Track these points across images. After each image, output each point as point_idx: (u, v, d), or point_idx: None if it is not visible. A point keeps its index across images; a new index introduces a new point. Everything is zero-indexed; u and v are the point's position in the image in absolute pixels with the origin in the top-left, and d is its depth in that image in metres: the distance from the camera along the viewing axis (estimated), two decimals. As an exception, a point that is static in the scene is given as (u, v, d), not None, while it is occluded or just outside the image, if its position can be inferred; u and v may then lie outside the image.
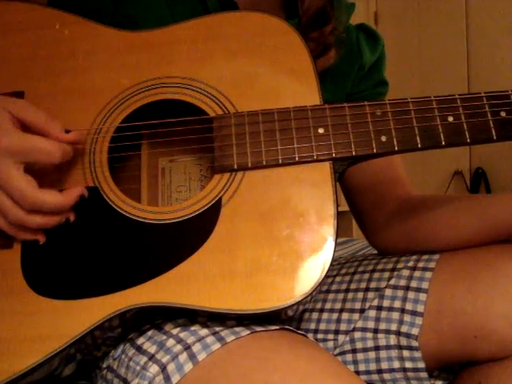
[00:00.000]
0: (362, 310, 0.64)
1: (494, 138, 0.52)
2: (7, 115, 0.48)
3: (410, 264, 0.64)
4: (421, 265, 0.63)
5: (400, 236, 0.70)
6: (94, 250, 0.51)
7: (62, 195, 0.50)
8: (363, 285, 0.66)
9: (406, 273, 0.64)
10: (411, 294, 0.61)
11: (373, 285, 0.65)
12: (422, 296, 0.60)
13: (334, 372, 0.45)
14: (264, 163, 0.52)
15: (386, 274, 0.65)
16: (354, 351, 0.63)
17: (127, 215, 0.52)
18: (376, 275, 0.66)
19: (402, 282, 0.63)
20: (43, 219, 0.49)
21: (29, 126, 0.49)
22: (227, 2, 0.62)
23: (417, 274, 0.63)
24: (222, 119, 0.54)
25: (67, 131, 0.51)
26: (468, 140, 0.52)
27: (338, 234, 0.50)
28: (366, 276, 0.67)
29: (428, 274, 0.62)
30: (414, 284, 0.62)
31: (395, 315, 0.61)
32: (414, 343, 0.59)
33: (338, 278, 0.70)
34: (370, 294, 0.65)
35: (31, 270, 0.50)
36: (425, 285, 0.61)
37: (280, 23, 0.57)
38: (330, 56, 0.65)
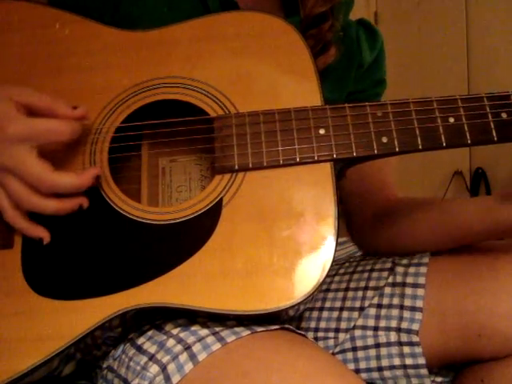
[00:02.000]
0: (361, 308, 0.64)
1: (495, 139, 0.53)
2: (11, 103, 0.48)
3: (405, 261, 0.65)
4: (415, 261, 0.64)
5: (381, 240, 0.71)
6: (95, 250, 0.51)
7: (78, 176, 0.50)
8: (362, 284, 0.67)
9: (401, 270, 0.64)
10: (408, 290, 0.62)
11: (372, 283, 0.66)
12: (420, 291, 0.61)
13: (334, 372, 0.45)
14: (265, 164, 0.52)
15: (385, 274, 0.66)
16: (354, 349, 0.63)
17: (128, 216, 0.52)
18: (375, 274, 0.67)
19: (399, 279, 0.64)
20: (58, 204, 0.49)
21: (35, 111, 0.50)
22: (227, 2, 0.62)
23: (411, 270, 0.63)
24: (223, 119, 0.54)
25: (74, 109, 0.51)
26: (469, 141, 0.52)
27: (338, 235, 0.50)
28: (365, 275, 0.68)
29: (423, 269, 0.62)
30: (410, 280, 0.62)
31: (394, 312, 0.62)
32: (415, 338, 0.59)
33: (336, 278, 0.70)
34: (369, 293, 0.65)
35: (32, 270, 0.50)
36: (421, 280, 0.62)
37: (281, 23, 0.57)
38: (330, 54, 0.65)
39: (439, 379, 0.65)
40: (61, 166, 0.53)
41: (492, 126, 0.53)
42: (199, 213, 0.51)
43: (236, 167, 0.52)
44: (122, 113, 0.55)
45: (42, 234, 0.50)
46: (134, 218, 0.52)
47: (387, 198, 0.73)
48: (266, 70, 0.56)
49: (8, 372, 0.47)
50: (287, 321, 0.52)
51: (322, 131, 0.53)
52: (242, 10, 0.62)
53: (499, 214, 0.56)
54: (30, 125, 0.48)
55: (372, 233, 0.72)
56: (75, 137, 0.51)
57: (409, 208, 0.68)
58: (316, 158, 0.52)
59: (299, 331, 0.51)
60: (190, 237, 0.50)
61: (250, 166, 0.52)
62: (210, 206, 0.51)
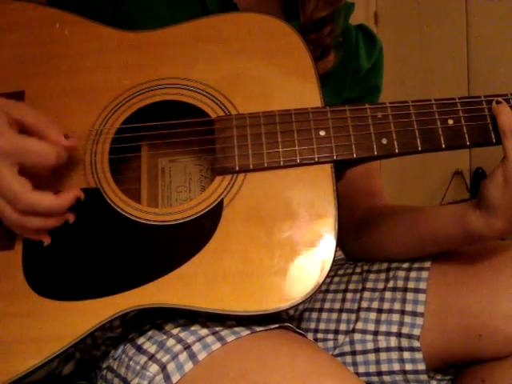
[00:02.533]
0: (359, 310, 0.64)
1: (494, 141, 0.53)
2: (4, 117, 0.48)
3: (405, 265, 0.65)
4: (416, 265, 0.64)
5: (360, 247, 0.72)
6: (96, 251, 0.51)
7: (57, 197, 0.49)
8: (361, 285, 0.67)
9: (402, 274, 0.64)
10: (410, 295, 0.62)
11: (369, 285, 0.66)
12: (421, 296, 0.61)
13: (333, 372, 0.45)
14: (265, 165, 0.52)
15: (382, 275, 0.66)
16: (353, 353, 0.63)
17: (129, 216, 0.52)
18: (372, 276, 0.67)
19: (400, 284, 0.63)
20: (40, 221, 0.49)
21: (27, 129, 0.49)
22: (226, 3, 0.62)
23: (413, 274, 0.63)
24: (224, 121, 0.54)
25: (66, 137, 0.51)
26: (467, 143, 0.53)
27: (338, 236, 0.50)
28: (363, 276, 0.68)
29: (424, 274, 0.62)
30: (411, 285, 0.62)
31: (395, 317, 0.62)
32: (416, 344, 0.59)
33: (336, 279, 0.70)
34: (367, 294, 0.65)
35: (32, 270, 0.51)
36: (423, 285, 0.61)
37: (281, 25, 0.57)
38: (329, 59, 0.65)
39: (439, 376, 0.65)
40: (61, 167, 0.53)
41: (491, 127, 0.53)
42: (200, 214, 0.51)
43: (237, 168, 0.52)
44: (123, 114, 0.55)
45: (39, 237, 0.50)
46: (135, 219, 0.52)
47: (371, 206, 0.73)
48: (266, 72, 0.56)
49: (9, 373, 0.47)
50: (287, 320, 0.52)
51: (322, 133, 0.53)
52: (243, 11, 0.62)
53: (468, 222, 0.55)
54: (16, 141, 0.47)
55: (353, 239, 0.72)
56: (59, 164, 0.49)
57: (385, 216, 0.68)
58: (316, 160, 0.52)
59: (299, 330, 0.51)
60: (190, 238, 0.50)
61: (251, 167, 0.52)
62: (210, 207, 0.51)
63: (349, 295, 0.67)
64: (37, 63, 0.57)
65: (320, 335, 0.66)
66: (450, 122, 0.53)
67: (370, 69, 0.74)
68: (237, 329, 0.49)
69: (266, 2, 0.67)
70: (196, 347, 0.47)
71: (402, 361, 0.60)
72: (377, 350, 0.62)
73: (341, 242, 0.75)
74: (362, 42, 0.73)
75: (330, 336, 0.65)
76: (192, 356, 0.46)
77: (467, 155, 2.07)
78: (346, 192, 0.71)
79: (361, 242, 0.71)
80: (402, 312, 0.61)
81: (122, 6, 0.62)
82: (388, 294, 0.64)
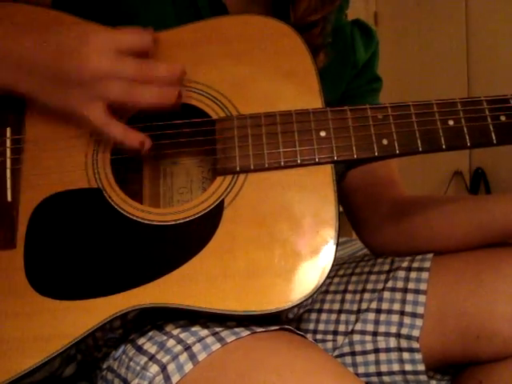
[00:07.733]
0: (358, 311, 0.64)
1: (494, 141, 0.53)
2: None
3: (405, 264, 0.65)
4: (416, 265, 0.64)
5: (394, 238, 0.70)
6: (97, 250, 0.51)
7: (170, 66, 0.51)
8: (360, 286, 0.67)
9: (401, 274, 0.64)
10: (410, 296, 0.62)
11: (369, 286, 0.66)
12: (421, 297, 0.61)
13: (333, 372, 0.45)
14: (266, 166, 0.52)
15: (383, 276, 0.66)
16: (352, 354, 0.63)
17: (130, 216, 0.52)
18: (373, 277, 0.67)
19: (400, 284, 0.63)
20: (159, 88, 0.51)
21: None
22: (216, 3, 0.62)
23: (413, 275, 0.63)
24: (225, 122, 0.54)
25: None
26: (468, 144, 0.53)
27: (339, 237, 0.50)
28: (363, 277, 0.67)
29: (424, 275, 0.62)
30: (411, 286, 0.62)
31: (394, 318, 0.62)
32: (415, 345, 0.59)
33: (335, 279, 0.70)
34: (367, 295, 0.65)
35: (34, 270, 0.51)
36: (423, 286, 0.61)
37: (282, 26, 0.57)
38: (319, 60, 0.64)
39: (438, 376, 0.65)
40: (62, 166, 0.53)
41: (491, 128, 0.53)
42: (201, 214, 0.51)
43: (237, 169, 0.52)
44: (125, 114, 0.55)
45: (142, 137, 0.51)
46: (136, 219, 0.52)
47: (400, 195, 0.72)
48: (267, 73, 0.56)
49: (10, 372, 0.47)
50: (286, 323, 0.52)
51: (322, 133, 0.53)
52: (244, 14, 0.62)
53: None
54: (110, 34, 0.50)
55: (382, 232, 0.71)
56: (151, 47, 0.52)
57: (426, 208, 0.67)
58: (317, 160, 0.52)
59: (298, 332, 0.51)
60: (191, 238, 0.51)
61: (252, 167, 0.52)
62: (211, 207, 0.51)
63: (348, 296, 0.67)
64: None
65: (319, 336, 0.66)
66: (451, 122, 0.53)
67: (366, 62, 0.74)
68: (237, 329, 0.49)
69: (256, 2, 0.67)
70: (196, 348, 0.47)
71: (401, 361, 0.60)
72: (376, 351, 0.62)
73: (368, 236, 0.74)
74: (359, 35, 0.73)
75: (329, 337, 0.65)
76: (192, 357, 0.47)
77: (467, 155, 2.07)
78: (368, 184, 0.71)
79: (400, 233, 0.69)
80: (402, 313, 0.61)
81: (124, 5, 0.62)
82: (386, 294, 0.63)
